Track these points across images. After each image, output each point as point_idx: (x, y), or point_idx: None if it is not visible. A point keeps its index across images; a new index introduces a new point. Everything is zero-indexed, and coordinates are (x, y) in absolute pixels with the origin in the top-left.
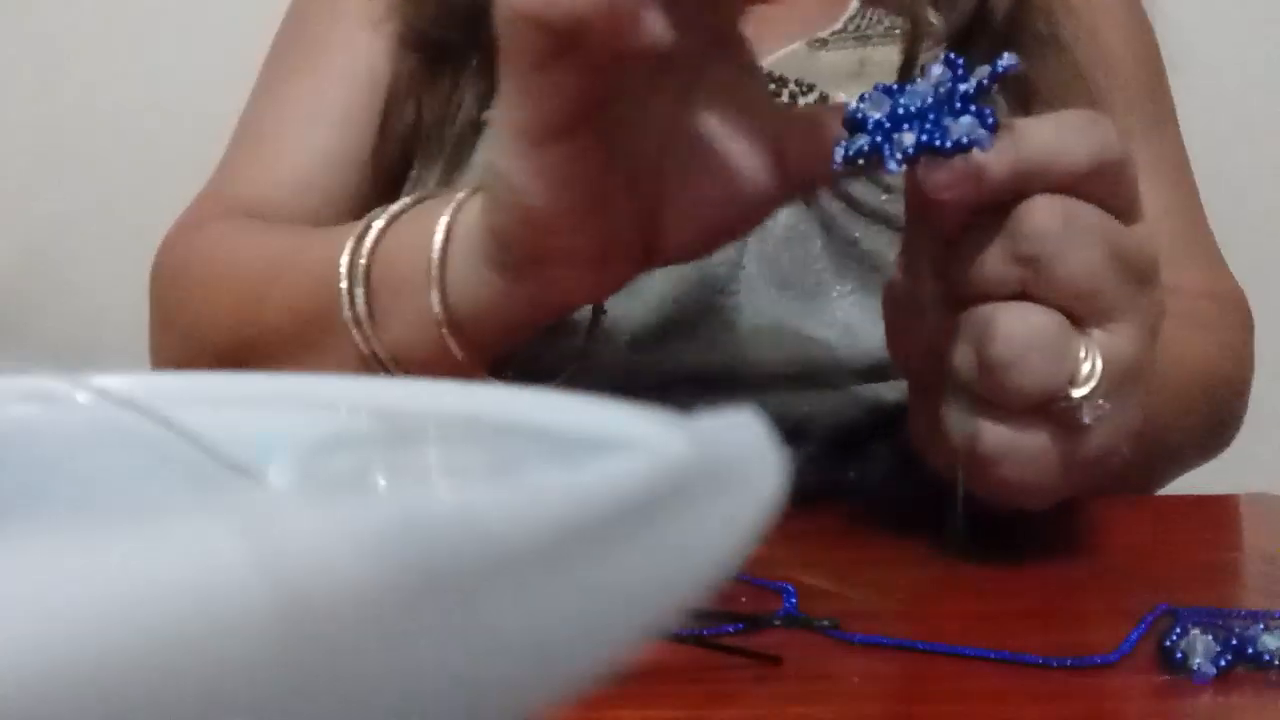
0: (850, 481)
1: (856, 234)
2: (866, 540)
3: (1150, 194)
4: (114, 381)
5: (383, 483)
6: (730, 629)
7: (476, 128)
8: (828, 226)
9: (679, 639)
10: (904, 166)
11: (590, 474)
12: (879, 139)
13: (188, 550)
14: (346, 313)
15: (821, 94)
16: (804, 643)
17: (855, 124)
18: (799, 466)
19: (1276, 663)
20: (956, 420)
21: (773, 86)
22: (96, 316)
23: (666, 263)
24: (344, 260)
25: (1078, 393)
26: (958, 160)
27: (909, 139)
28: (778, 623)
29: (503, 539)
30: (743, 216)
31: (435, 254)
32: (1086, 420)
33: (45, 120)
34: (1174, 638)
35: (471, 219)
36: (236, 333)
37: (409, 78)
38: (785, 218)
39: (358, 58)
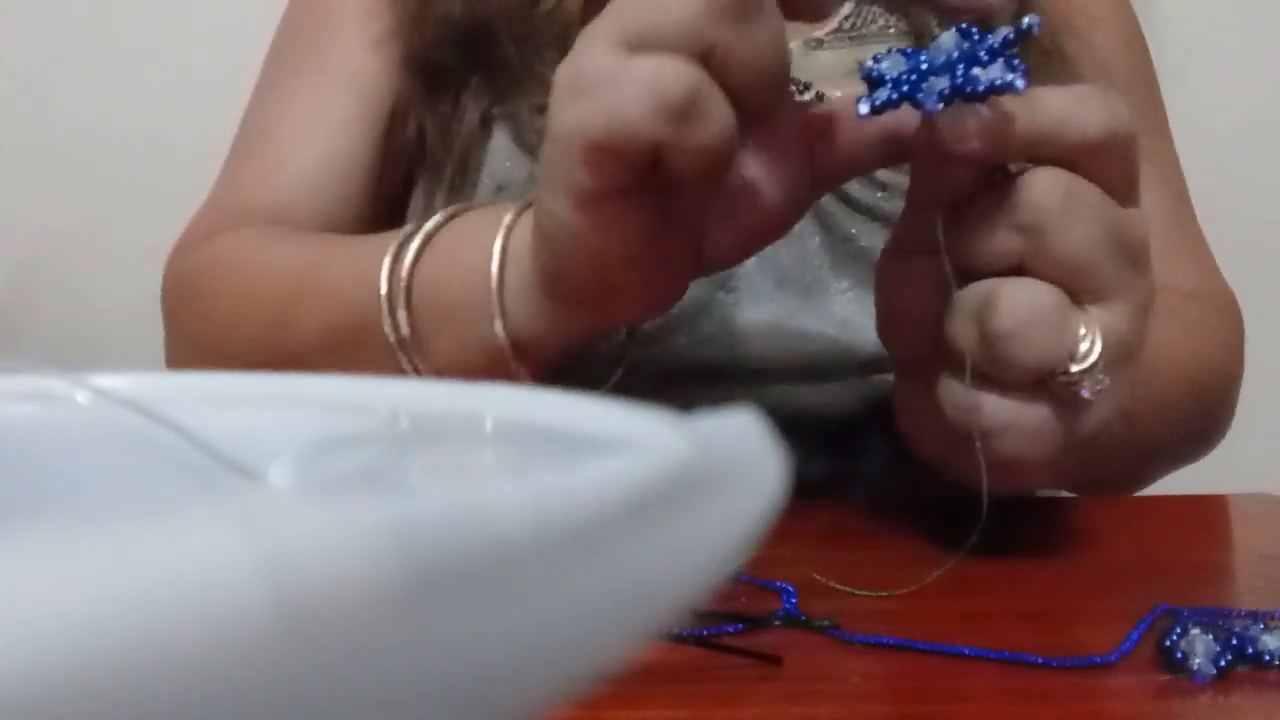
0: (847, 473)
1: (853, 231)
2: (866, 540)
3: (1144, 198)
4: (114, 381)
5: (383, 482)
6: (730, 629)
7: (482, 138)
8: (825, 224)
9: (679, 639)
10: (942, 105)
11: (591, 474)
12: (905, 89)
13: (188, 550)
14: (390, 336)
15: (818, 93)
16: (804, 643)
17: (873, 81)
18: (796, 459)
19: (1276, 663)
20: (955, 395)
21: None
22: (96, 317)
23: (712, 270)
24: (383, 282)
25: (1078, 367)
26: (987, 107)
27: (942, 82)
28: (778, 623)
29: (502, 539)
30: (779, 219)
31: (494, 282)
32: (1087, 395)
33: (45, 122)
34: (1174, 638)
35: (522, 246)
36: (263, 348)
37: (409, 98)
38: None
39: (355, 68)
